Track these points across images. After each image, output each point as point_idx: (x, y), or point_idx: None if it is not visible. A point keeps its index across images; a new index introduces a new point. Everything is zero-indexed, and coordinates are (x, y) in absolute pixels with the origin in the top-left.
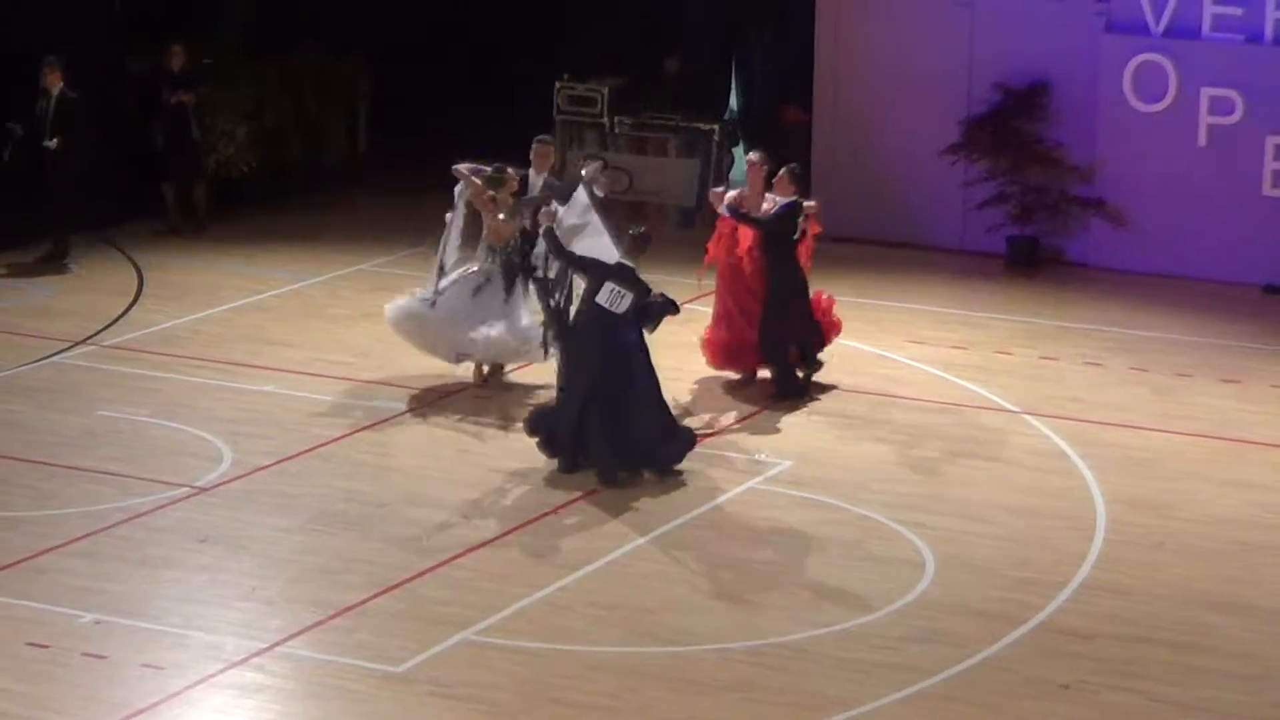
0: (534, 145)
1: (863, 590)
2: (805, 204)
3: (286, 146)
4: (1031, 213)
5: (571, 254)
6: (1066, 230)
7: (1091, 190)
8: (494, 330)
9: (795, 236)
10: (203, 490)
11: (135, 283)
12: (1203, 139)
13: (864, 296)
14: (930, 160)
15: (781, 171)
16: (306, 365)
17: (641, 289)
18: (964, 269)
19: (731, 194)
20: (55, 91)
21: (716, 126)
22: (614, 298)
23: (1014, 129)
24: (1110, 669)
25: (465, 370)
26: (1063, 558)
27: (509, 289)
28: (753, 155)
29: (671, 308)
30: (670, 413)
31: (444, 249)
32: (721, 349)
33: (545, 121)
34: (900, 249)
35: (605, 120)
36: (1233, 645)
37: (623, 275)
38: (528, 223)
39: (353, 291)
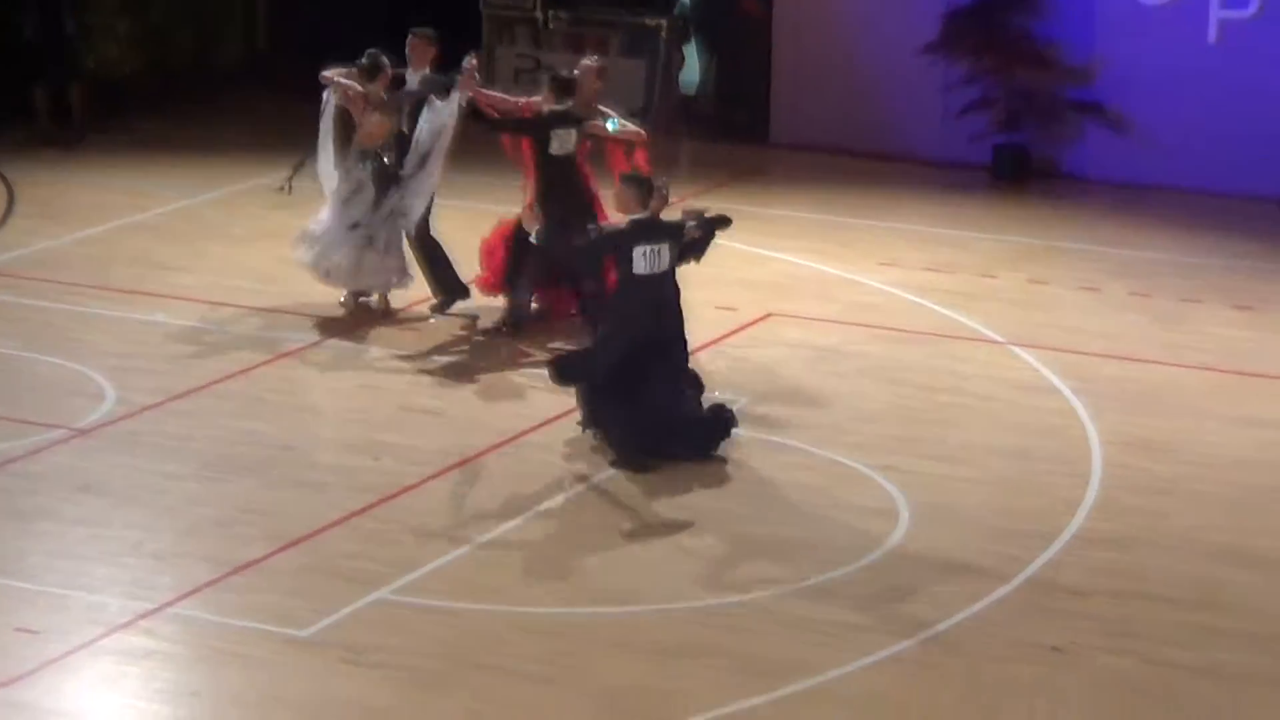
0: (410, 39)
1: (828, 543)
2: (602, 124)
3: (175, 43)
4: (1020, 119)
5: (587, 245)
6: (1060, 138)
7: (1088, 93)
8: (365, 256)
9: (555, 152)
10: (82, 433)
11: (4, 199)
12: (1214, 35)
13: (830, 213)
14: (906, 59)
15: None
16: (201, 291)
17: (673, 232)
18: (944, 182)
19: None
20: None
21: (664, 21)
22: (651, 259)
23: (1001, 24)
24: (1107, 630)
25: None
26: (1054, 505)
27: (379, 200)
28: (587, 60)
29: (721, 223)
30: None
31: (318, 171)
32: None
33: (471, 17)
34: (872, 160)
35: (538, 15)
36: (1247, 602)
37: (648, 232)
38: (404, 125)
39: (254, 208)
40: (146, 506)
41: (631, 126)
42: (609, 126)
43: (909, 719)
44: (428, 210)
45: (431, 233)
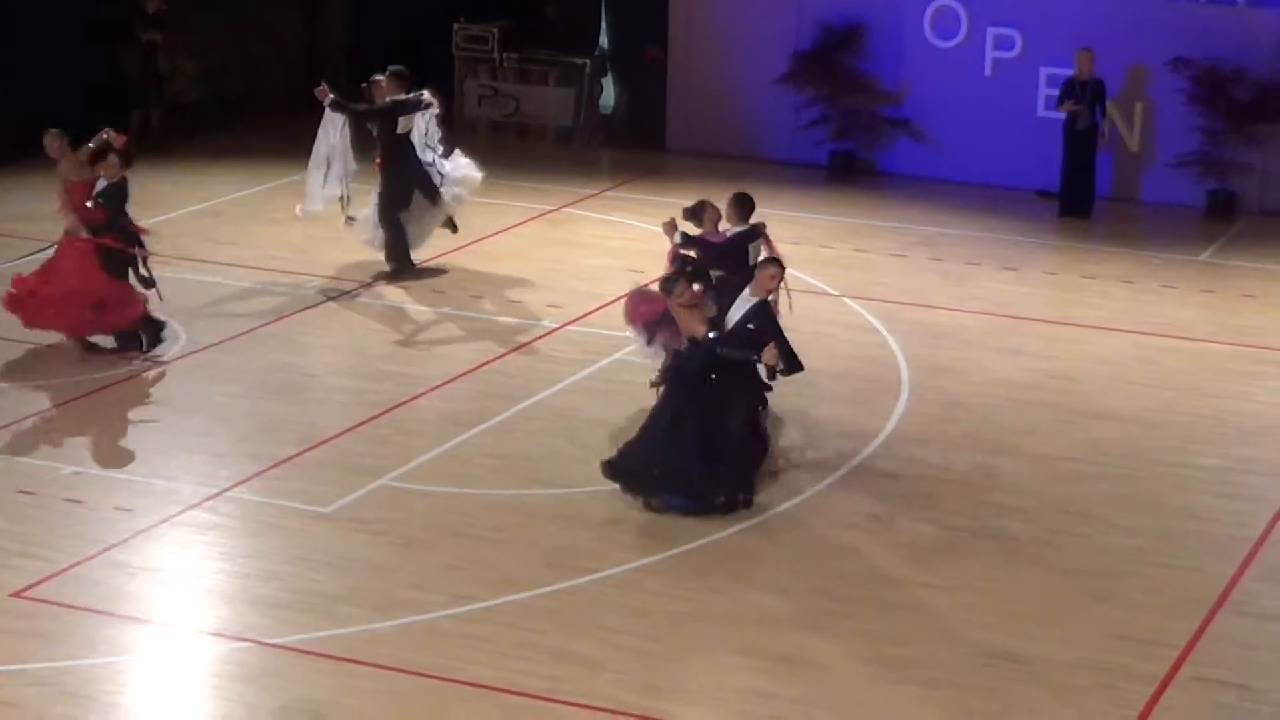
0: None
1: None
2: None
3: (230, 80)
4: (849, 131)
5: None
6: (878, 145)
7: (898, 112)
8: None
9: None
10: (164, 363)
11: None
12: (989, 70)
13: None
14: (766, 88)
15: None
16: (249, 260)
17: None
18: (793, 178)
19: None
20: None
21: (588, 61)
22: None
23: (835, 61)
24: (912, 503)
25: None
26: (875, 413)
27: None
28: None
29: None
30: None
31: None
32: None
33: (444, 57)
34: (742, 161)
35: (495, 56)
36: (1010, 483)
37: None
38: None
39: (288, 198)
40: (211, 418)
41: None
42: None
43: (759, 568)
44: (396, 197)
45: (399, 217)
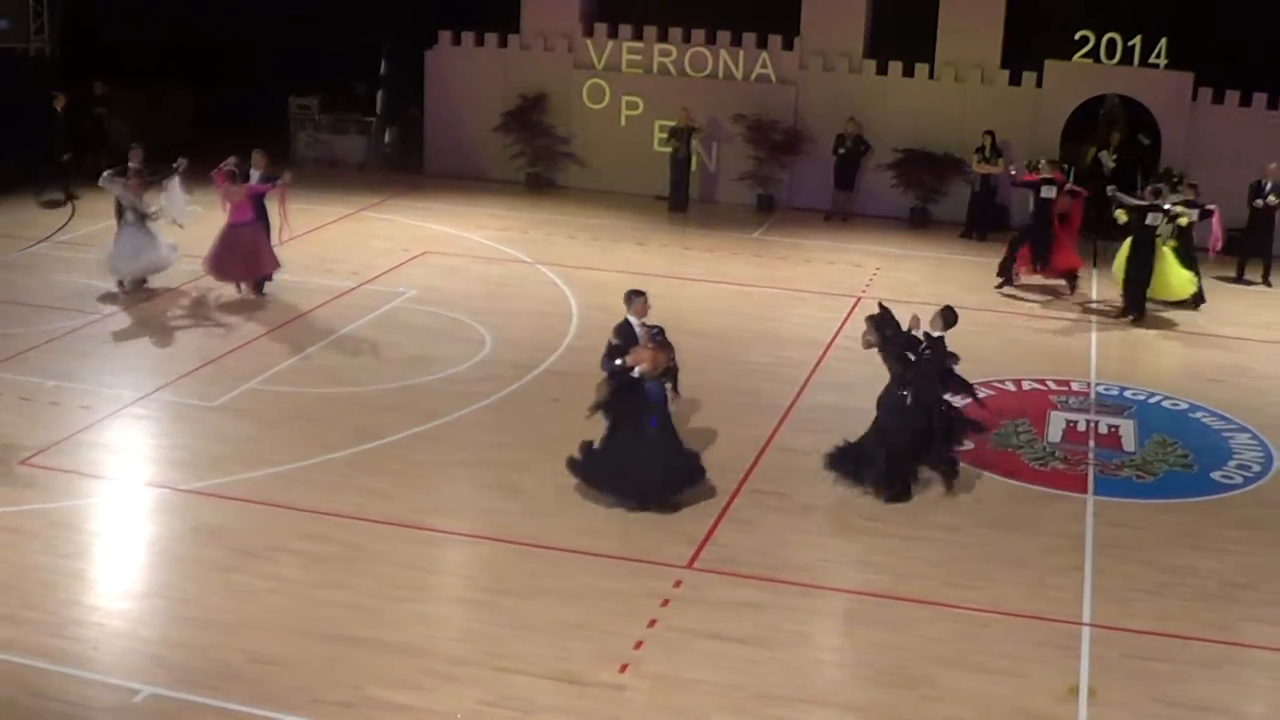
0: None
1: (452, 353)
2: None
3: (146, 135)
4: (538, 160)
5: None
6: (556, 169)
7: (569, 149)
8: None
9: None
10: (107, 315)
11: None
12: (623, 122)
13: (453, 204)
14: (487, 133)
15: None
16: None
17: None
18: (506, 190)
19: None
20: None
21: (374, 118)
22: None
23: (529, 118)
24: (576, 389)
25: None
26: (556, 334)
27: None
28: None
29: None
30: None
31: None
32: None
33: (282, 121)
34: (472, 180)
35: (316, 117)
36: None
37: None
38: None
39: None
40: (140, 349)
41: None
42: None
43: (487, 432)
44: None
45: None
